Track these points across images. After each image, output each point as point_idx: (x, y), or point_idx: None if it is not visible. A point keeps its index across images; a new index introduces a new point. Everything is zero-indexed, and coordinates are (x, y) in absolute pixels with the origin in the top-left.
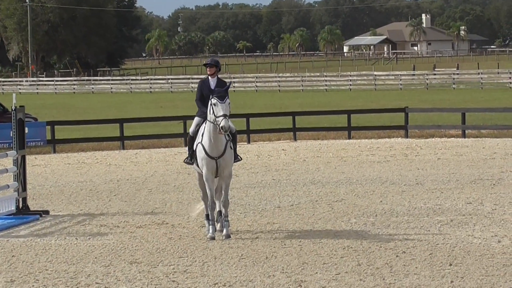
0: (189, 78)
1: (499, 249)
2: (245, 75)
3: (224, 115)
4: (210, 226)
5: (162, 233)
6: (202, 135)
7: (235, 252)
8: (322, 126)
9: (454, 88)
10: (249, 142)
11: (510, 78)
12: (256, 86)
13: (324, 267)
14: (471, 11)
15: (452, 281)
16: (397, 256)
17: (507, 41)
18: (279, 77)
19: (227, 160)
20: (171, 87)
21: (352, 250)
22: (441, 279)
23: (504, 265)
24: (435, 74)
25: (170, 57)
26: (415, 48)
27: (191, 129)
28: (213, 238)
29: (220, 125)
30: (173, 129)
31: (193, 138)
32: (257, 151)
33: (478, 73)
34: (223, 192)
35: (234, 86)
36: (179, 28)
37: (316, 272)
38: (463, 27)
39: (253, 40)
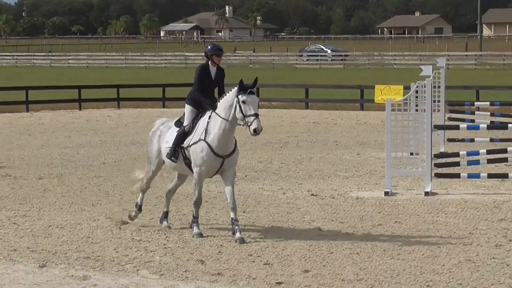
0: (31, 55)
1: (284, 200)
2: (78, 53)
3: (256, 114)
4: (194, 225)
5: (5, 184)
6: (205, 132)
7: (66, 199)
8: (143, 97)
9: (251, 67)
10: (80, 109)
11: (296, 60)
12: (87, 63)
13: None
14: (266, 4)
15: (244, 226)
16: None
17: (294, 30)
18: (106, 55)
19: (234, 159)
20: (16, 62)
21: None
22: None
23: (287, 212)
24: (235, 56)
25: (16, 37)
26: (220, 34)
27: (185, 123)
28: (200, 235)
29: (252, 128)
30: (15, 98)
31: (186, 133)
32: (87, 117)
33: (271, 55)
34: (228, 196)
35: (68, 63)
36: (23, 13)
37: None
38: (259, 17)
39: (86, 25)
